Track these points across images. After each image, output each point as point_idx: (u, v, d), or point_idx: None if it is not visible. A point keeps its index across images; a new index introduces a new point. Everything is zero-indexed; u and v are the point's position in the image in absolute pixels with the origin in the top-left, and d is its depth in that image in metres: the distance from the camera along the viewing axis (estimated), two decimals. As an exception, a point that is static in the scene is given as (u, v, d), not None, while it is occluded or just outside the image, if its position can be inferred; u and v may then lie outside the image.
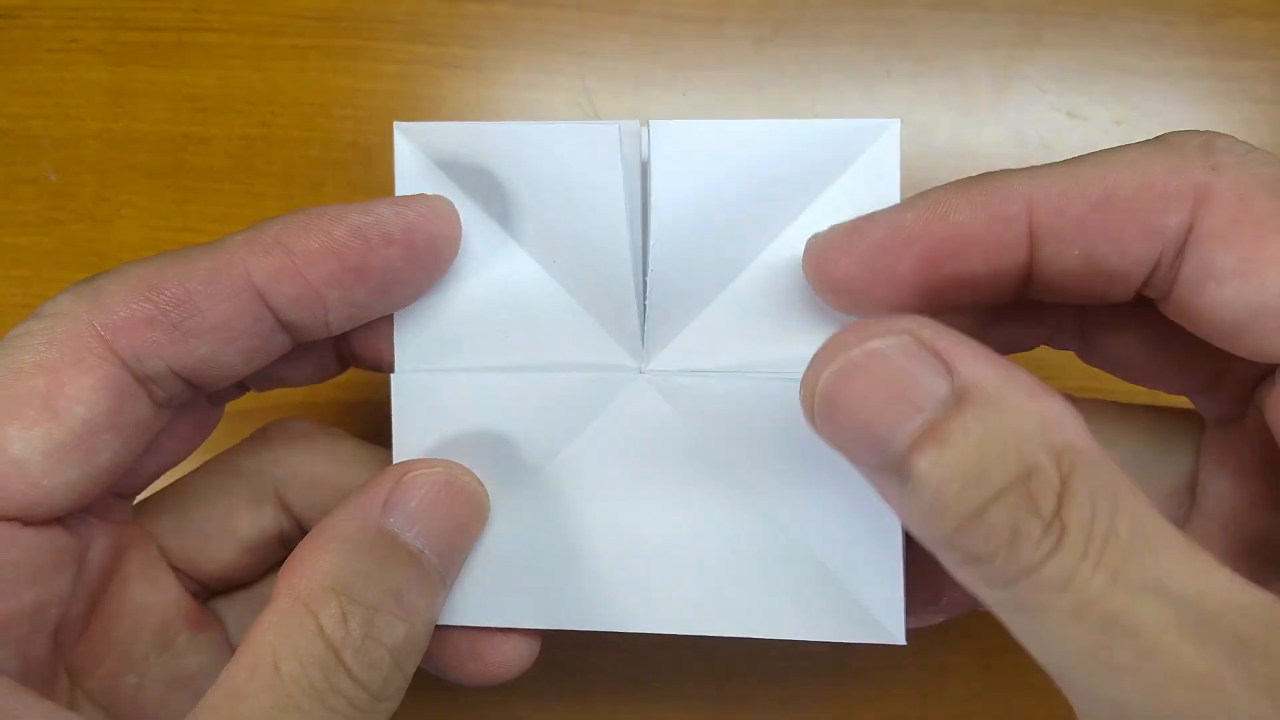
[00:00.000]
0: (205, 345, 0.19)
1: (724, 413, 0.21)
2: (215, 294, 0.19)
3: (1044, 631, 0.16)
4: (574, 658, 0.31)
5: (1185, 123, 0.32)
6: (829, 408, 0.17)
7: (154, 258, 0.20)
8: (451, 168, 0.22)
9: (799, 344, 0.21)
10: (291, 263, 0.19)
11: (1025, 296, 0.19)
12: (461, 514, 0.21)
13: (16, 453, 0.18)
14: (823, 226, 0.20)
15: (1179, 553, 0.15)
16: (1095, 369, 0.23)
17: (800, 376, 0.18)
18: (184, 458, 0.23)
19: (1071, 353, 0.23)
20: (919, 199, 0.19)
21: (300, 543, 0.20)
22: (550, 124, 0.21)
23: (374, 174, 0.31)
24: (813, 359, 0.18)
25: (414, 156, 0.22)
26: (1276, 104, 0.32)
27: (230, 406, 0.24)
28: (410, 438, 0.22)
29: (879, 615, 0.20)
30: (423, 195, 0.21)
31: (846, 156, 0.21)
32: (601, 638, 0.31)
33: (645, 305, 0.21)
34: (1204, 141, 0.18)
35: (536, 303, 0.22)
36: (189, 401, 0.21)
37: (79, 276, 0.20)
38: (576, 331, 0.22)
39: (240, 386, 0.23)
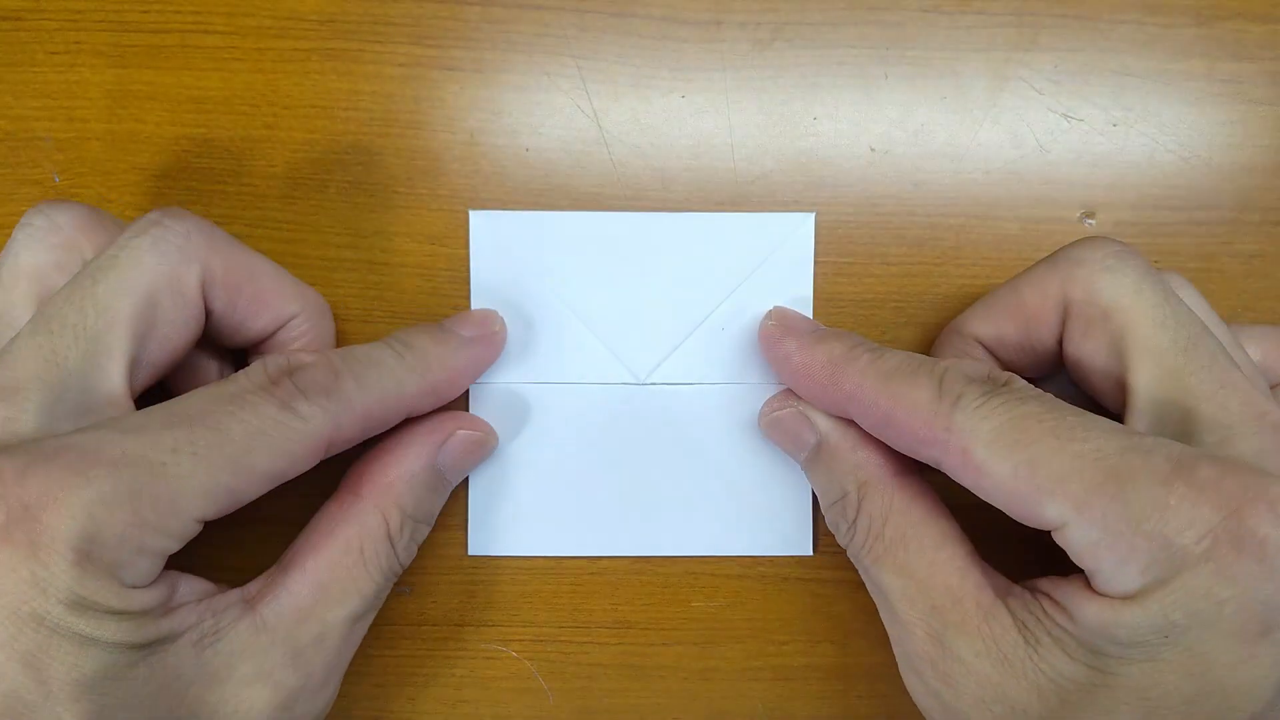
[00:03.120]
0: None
1: (695, 409, 0.31)
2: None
3: (868, 587, 0.27)
4: (572, 652, 0.31)
5: (1182, 124, 0.32)
6: (767, 438, 0.30)
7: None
8: (515, 247, 0.31)
9: (743, 365, 0.31)
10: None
11: None
12: (480, 460, 0.30)
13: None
14: (750, 304, 0.30)
15: (923, 550, 0.25)
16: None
17: (745, 382, 0.31)
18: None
19: None
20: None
21: (374, 454, 0.27)
22: (592, 214, 0.31)
23: (375, 175, 0.31)
24: (761, 410, 0.30)
25: (487, 238, 0.31)
26: (1272, 106, 0.32)
27: None
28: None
29: (794, 535, 0.31)
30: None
31: (768, 245, 0.31)
32: (600, 637, 0.31)
33: (644, 340, 0.31)
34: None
35: (564, 337, 0.31)
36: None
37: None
38: (592, 356, 0.31)
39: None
